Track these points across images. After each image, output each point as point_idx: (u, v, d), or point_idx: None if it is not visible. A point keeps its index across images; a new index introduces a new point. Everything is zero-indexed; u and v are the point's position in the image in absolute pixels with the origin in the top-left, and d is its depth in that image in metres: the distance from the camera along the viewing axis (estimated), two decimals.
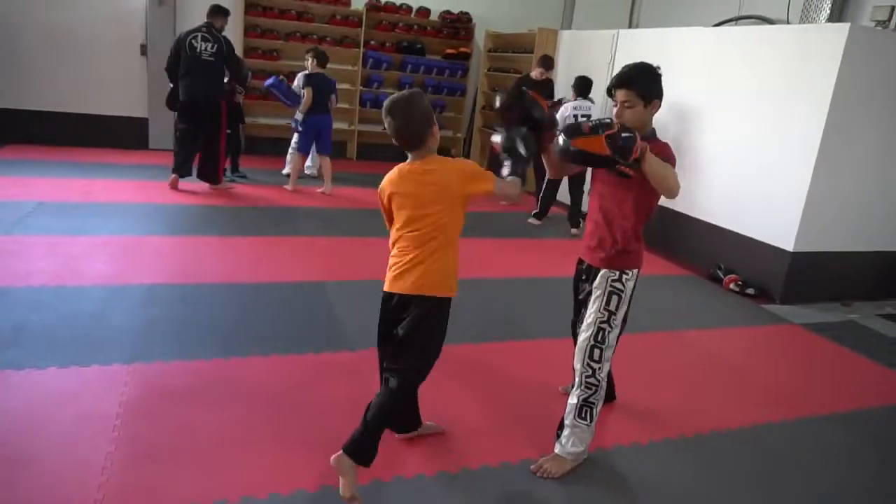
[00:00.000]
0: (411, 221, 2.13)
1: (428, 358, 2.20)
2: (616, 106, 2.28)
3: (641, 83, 2.24)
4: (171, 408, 2.56)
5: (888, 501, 2.51)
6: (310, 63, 6.51)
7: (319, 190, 6.74)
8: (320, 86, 6.48)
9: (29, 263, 3.92)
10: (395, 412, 2.19)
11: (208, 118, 6.13)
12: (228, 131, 6.82)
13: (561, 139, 2.15)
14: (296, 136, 7.29)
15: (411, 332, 2.15)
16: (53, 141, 7.44)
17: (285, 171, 7.38)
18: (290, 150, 7.37)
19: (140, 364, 2.87)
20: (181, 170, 6.21)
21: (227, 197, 6.17)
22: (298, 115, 6.57)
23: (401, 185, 2.15)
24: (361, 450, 2.04)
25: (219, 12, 6.09)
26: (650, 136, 2.32)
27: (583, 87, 5.98)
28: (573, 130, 2.12)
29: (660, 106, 2.30)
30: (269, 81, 6.80)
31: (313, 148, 7.11)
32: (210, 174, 6.31)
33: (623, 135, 2.05)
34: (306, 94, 6.42)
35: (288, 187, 6.72)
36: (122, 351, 2.96)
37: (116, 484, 2.09)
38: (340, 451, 2.03)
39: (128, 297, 3.61)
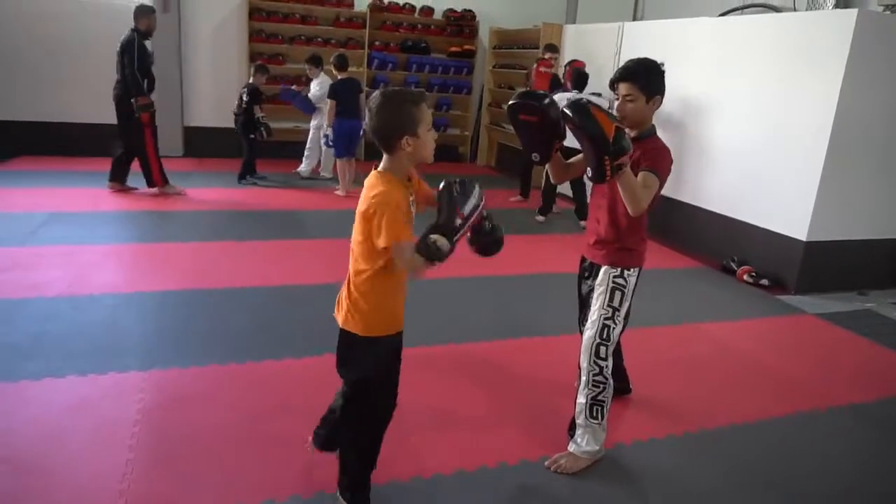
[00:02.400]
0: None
1: None
2: (618, 99, 2.30)
3: (644, 78, 2.26)
4: (188, 413, 2.58)
5: None
6: (333, 70, 6.56)
7: (336, 191, 6.83)
8: (346, 92, 6.50)
9: (43, 274, 3.95)
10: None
11: (120, 120, 5.96)
12: (252, 136, 6.89)
13: (579, 102, 2.07)
14: (317, 138, 7.34)
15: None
16: (62, 152, 7.49)
17: (301, 167, 7.43)
18: (306, 150, 7.43)
19: (156, 371, 2.88)
20: (110, 173, 6.17)
21: (238, 201, 6.19)
22: (329, 131, 6.58)
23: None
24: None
25: (137, 13, 5.87)
26: (650, 134, 2.34)
27: (580, 80, 5.96)
28: (594, 104, 2.07)
29: (661, 102, 2.32)
30: (282, 92, 7.13)
31: (326, 150, 7.15)
32: (145, 177, 6.13)
33: (627, 136, 2.04)
34: (329, 106, 6.44)
35: (340, 192, 6.77)
36: (137, 358, 2.98)
37: (137, 490, 2.10)
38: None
39: (141, 304, 3.63)
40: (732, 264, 5.03)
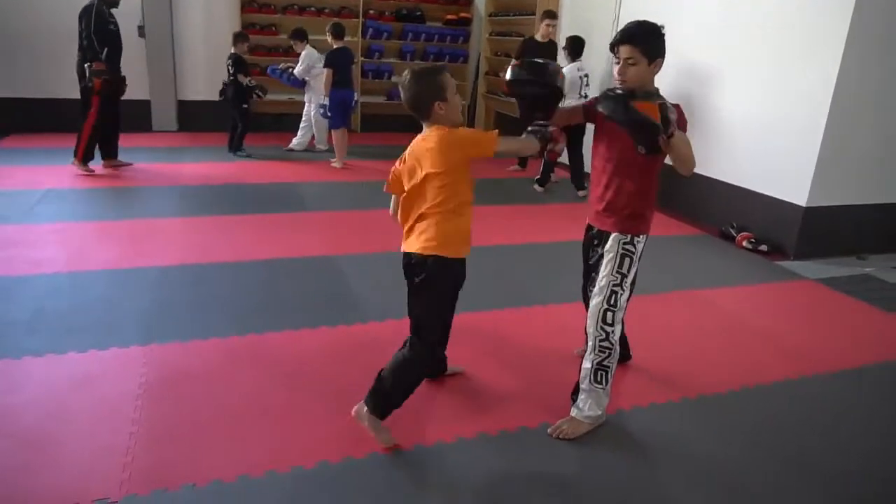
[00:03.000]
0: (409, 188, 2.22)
1: (425, 324, 2.28)
2: (618, 63, 2.25)
3: (646, 40, 2.22)
4: (190, 386, 2.59)
5: None
6: (328, 38, 6.48)
7: (332, 163, 6.78)
8: (341, 61, 6.43)
9: (42, 251, 3.95)
10: (407, 378, 2.26)
11: (81, 89, 5.78)
12: (245, 105, 6.82)
13: (616, 97, 2.13)
14: (311, 112, 7.28)
15: (412, 296, 2.31)
16: (57, 128, 7.42)
17: (293, 142, 7.39)
18: (301, 125, 7.37)
19: (157, 345, 2.89)
20: (100, 152, 6.01)
21: (234, 175, 6.16)
22: (325, 100, 6.52)
23: (407, 151, 2.23)
24: (374, 402, 2.24)
25: None
26: (655, 95, 2.30)
27: (577, 47, 5.96)
28: (629, 94, 2.12)
29: (661, 66, 2.29)
30: (270, 71, 7.08)
31: (320, 122, 7.08)
32: (76, 144, 5.86)
33: (670, 106, 2.05)
34: (326, 75, 6.37)
35: (336, 164, 6.73)
36: (138, 333, 2.99)
37: (141, 463, 2.12)
38: (362, 401, 2.27)
39: (141, 279, 3.63)
40: (731, 231, 5.03)
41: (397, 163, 2.26)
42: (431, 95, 2.12)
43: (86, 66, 5.58)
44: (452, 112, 2.17)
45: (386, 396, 2.23)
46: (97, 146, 5.96)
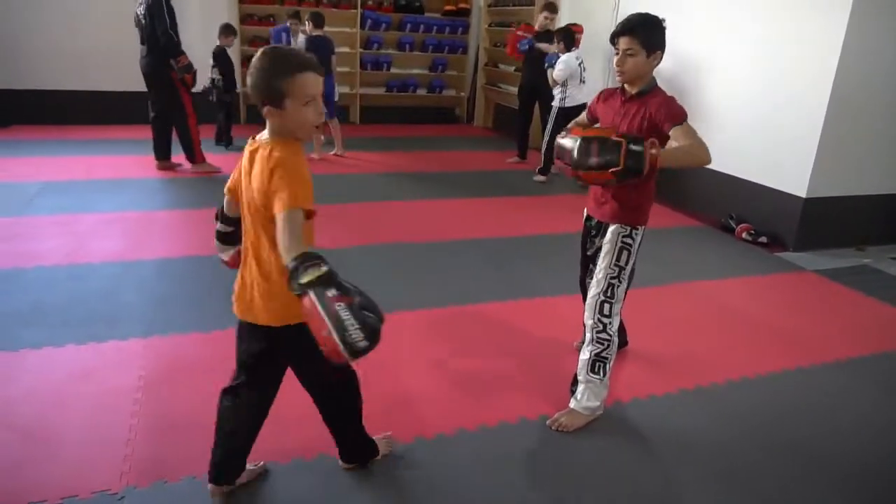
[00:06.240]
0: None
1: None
2: (618, 54, 2.26)
3: (645, 32, 2.22)
4: (190, 378, 2.59)
5: None
6: (307, 27, 6.43)
7: (332, 152, 6.78)
8: (318, 49, 6.38)
9: (40, 244, 3.94)
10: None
11: (156, 90, 5.61)
12: (210, 98, 6.70)
13: (572, 161, 2.09)
14: None
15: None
16: (55, 120, 7.41)
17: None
18: None
19: (157, 337, 2.89)
20: (155, 151, 5.84)
21: (229, 167, 6.10)
22: None
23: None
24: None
25: None
26: (652, 87, 2.31)
27: (568, 38, 5.96)
28: (580, 163, 2.06)
29: (661, 58, 2.28)
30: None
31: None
32: (185, 151, 5.82)
33: (632, 149, 2.00)
34: None
35: (314, 155, 6.70)
36: (138, 325, 2.99)
37: (142, 455, 2.12)
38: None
39: (140, 271, 3.62)
40: (731, 222, 5.02)
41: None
42: (262, 93, 1.59)
43: (172, 62, 5.37)
44: (289, 123, 1.61)
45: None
46: (156, 145, 5.82)
